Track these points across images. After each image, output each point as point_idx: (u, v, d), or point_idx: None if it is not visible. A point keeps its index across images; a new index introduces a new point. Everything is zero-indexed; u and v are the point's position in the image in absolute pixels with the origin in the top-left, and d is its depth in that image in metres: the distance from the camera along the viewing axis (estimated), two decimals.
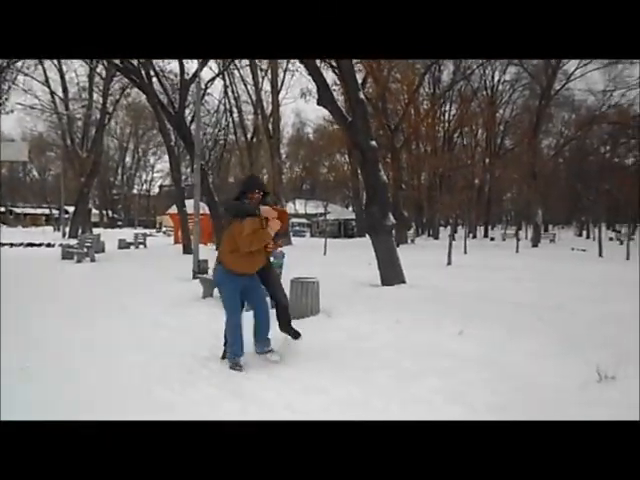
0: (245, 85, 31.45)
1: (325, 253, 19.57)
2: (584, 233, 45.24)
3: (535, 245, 28.61)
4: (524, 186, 31.98)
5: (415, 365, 4.61)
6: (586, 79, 39.79)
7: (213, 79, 26.87)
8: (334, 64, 12.84)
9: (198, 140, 12.83)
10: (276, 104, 26.58)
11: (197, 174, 12.13)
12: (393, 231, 10.04)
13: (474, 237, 39.25)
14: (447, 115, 37.88)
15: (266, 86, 28.88)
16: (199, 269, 10.82)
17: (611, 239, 33.77)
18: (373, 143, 9.41)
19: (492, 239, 37.69)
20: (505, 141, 40.15)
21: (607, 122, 32.26)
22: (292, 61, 23.96)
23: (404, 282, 9.63)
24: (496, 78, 36.29)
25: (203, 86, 24.26)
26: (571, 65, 31.56)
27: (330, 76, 21.27)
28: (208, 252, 14.41)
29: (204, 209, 21.21)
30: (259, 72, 27.03)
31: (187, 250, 19.29)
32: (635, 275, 12.14)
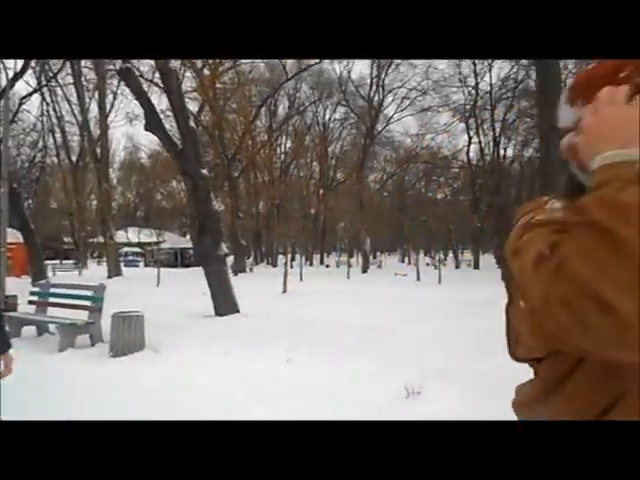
0: (69, 104, 29.09)
1: (158, 284, 18.68)
2: (406, 259, 49.96)
3: (364, 271, 30.71)
4: (354, 216, 34.38)
5: (243, 395, 4.57)
6: (403, 123, 44.61)
7: (30, 95, 24.39)
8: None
9: (6, 161, 11.44)
10: (104, 126, 25.01)
11: (4, 198, 10.77)
12: (226, 260, 9.97)
13: (311, 264, 40.87)
14: (283, 147, 39.34)
15: (93, 107, 27.04)
16: (6, 306, 9.51)
17: (428, 264, 37.77)
18: (204, 172, 9.32)
19: (327, 266, 39.61)
20: (337, 174, 42.89)
21: (421, 162, 36.40)
22: (121, 83, 22.85)
23: (238, 311, 9.58)
24: (327, 116, 38.81)
25: (17, 102, 21.88)
26: (390, 110, 35.17)
27: (165, 102, 20.74)
28: (21, 286, 12.76)
29: (19, 237, 18.87)
30: (85, 92, 25.25)
31: None
32: (445, 297, 13.71)
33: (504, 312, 0.93)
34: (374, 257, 45.69)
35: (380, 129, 34.77)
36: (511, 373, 4.10)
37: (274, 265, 38.18)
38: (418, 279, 22.83)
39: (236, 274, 23.64)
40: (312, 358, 5.93)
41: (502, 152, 31.38)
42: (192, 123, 9.49)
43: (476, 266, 35.02)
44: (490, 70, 29.37)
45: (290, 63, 31.13)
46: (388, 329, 8.03)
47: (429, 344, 6.75)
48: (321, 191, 38.86)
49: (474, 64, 29.18)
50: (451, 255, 43.99)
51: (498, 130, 29.92)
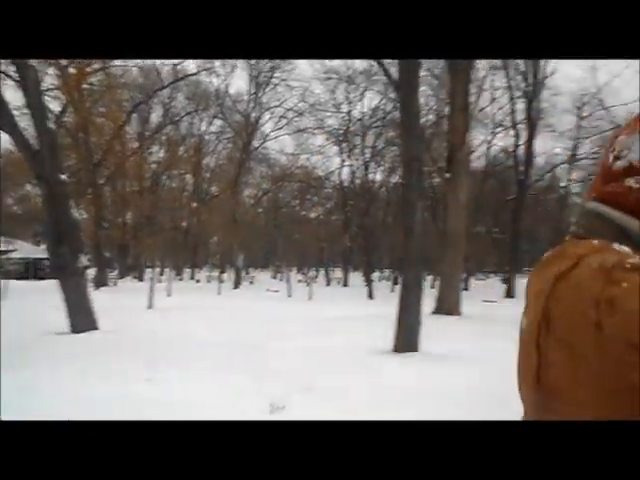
0: None
1: (5, 297, 16.74)
2: (279, 276, 50.43)
3: (236, 287, 30.38)
4: (227, 231, 34.00)
5: (96, 419, 4.25)
6: (280, 141, 45.21)
7: None
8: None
9: None
10: None
11: None
12: (86, 273, 9.27)
13: (181, 279, 39.46)
14: (155, 156, 37.76)
15: None
16: None
17: (300, 281, 38.47)
18: (63, 177, 8.62)
19: (198, 281, 38.51)
20: (211, 188, 42.19)
21: (296, 180, 37.21)
22: None
23: (96, 328, 8.93)
24: (203, 128, 38.12)
25: None
26: (267, 127, 35.53)
27: (21, 98, 18.89)
28: None
29: None
30: None
31: None
32: (314, 313, 14.05)
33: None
34: (247, 273, 45.48)
35: (257, 145, 34.99)
36: (373, 390, 4.33)
37: (141, 279, 36.20)
38: (289, 295, 23.16)
39: (98, 288, 22.03)
40: (174, 376, 5.71)
41: (371, 176, 33.27)
42: (52, 124, 8.75)
43: (345, 284, 36.45)
44: (362, 99, 31.15)
45: (166, 70, 30.21)
46: (256, 345, 8.02)
47: (296, 360, 6.86)
48: (194, 204, 37.91)
49: (347, 92, 30.75)
50: (323, 273, 45.29)
51: (368, 156, 31.70)
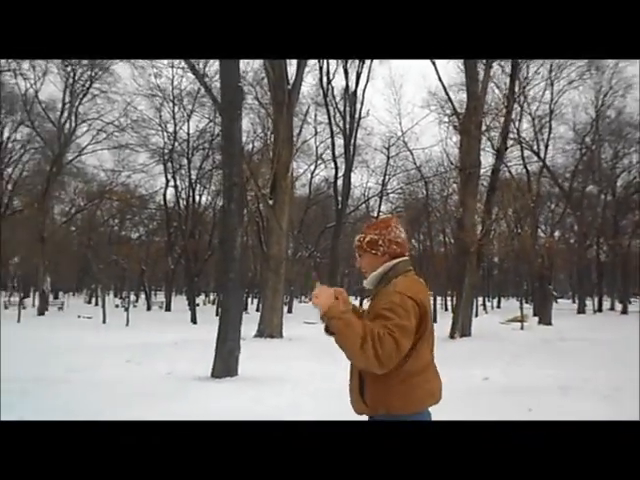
0: None
1: None
2: (94, 300, 46.29)
3: (42, 313, 27.16)
4: (32, 251, 30.32)
5: None
6: (98, 156, 40.97)
7: None
8: None
9: None
10: None
11: None
12: None
13: None
14: None
15: None
16: None
17: (117, 306, 35.81)
18: None
19: None
20: (14, 201, 37.29)
21: (115, 198, 34.84)
22: None
23: None
24: (5, 135, 33.67)
25: None
26: (83, 140, 32.70)
27: None
28: None
29: None
30: None
31: None
32: (131, 340, 13.24)
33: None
34: (56, 297, 40.94)
35: (70, 158, 31.97)
36: (185, 418, 4.18)
37: None
38: (104, 322, 21.46)
39: None
40: None
41: (198, 198, 32.68)
42: None
43: (168, 308, 34.93)
44: (189, 120, 30.57)
45: None
46: (56, 378, 7.27)
47: (106, 393, 6.39)
48: None
49: (173, 111, 30.01)
50: (143, 297, 42.82)
51: (194, 177, 31.16)
